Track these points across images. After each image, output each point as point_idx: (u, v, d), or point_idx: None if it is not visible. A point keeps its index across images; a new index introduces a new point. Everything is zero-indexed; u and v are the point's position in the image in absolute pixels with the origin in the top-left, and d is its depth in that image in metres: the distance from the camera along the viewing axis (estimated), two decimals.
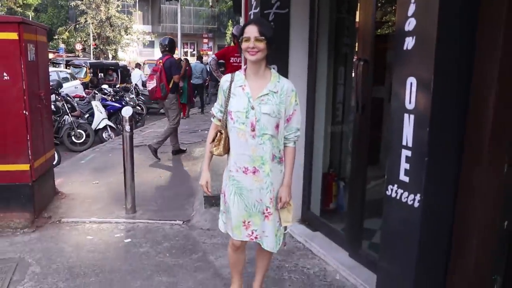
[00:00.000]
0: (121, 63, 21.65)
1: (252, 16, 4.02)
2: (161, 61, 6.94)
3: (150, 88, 6.91)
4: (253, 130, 2.49)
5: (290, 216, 2.67)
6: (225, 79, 2.64)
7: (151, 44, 37.04)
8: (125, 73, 17.33)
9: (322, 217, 4.08)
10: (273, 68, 3.74)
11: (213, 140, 2.65)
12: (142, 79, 15.45)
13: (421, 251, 2.32)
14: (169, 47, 7.08)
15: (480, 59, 2.19)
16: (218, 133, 2.62)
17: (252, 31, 2.44)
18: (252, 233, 2.63)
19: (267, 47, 2.46)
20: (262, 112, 2.48)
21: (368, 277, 3.12)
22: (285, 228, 2.70)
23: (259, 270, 2.91)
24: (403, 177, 2.35)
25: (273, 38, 2.49)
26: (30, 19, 22.24)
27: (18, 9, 28.70)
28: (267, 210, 2.59)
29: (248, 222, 2.62)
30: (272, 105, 2.50)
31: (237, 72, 2.63)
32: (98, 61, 22.52)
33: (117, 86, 13.82)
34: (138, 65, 19.54)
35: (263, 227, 2.62)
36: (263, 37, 2.43)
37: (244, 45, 2.46)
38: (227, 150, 2.63)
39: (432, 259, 2.39)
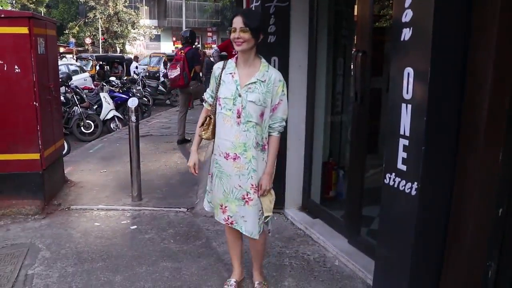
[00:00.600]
0: (126, 56, 21.78)
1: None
2: (182, 51, 7.27)
3: (173, 76, 7.30)
4: (239, 117, 2.57)
5: (271, 206, 2.73)
6: (217, 66, 2.73)
7: (157, 38, 37.33)
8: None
9: (322, 205, 4.16)
10: (274, 60, 3.85)
11: (203, 124, 2.75)
12: (137, 70, 15.75)
13: (417, 238, 2.38)
14: (190, 39, 7.46)
15: (475, 48, 2.21)
16: (208, 118, 2.73)
17: (237, 21, 2.51)
18: (228, 218, 2.74)
19: (252, 37, 2.51)
20: (248, 100, 2.55)
21: (366, 263, 3.19)
22: (266, 217, 2.74)
23: (254, 257, 2.99)
24: (401, 166, 2.39)
25: (259, 29, 2.54)
26: (42, 14, 22.43)
27: (31, 5, 28.98)
28: (247, 195, 2.65)
29: (225, 207, 2.71)
30: (258, 94, 2.56)
31: (229, 60, 2.71)
32: (104, 54, 22.62)
33: (124, 78, 13.96)
34: (135, 58, 19.81)
35: (242, 212, 2.68)
36: (248, 28, 2.48)
37: (231, 35, 2.54)
38: (215, 134, 2.73)
39: (428, 245, 2.45)
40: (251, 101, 2.56)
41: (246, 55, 2.60)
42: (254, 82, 2.58)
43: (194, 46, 7.51)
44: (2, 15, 4.12)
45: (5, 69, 4.14)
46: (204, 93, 2.83)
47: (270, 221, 2.81)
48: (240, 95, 2.57)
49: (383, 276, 2.69)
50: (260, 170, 2.66)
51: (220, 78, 2.66)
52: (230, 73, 2.64)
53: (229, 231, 2.92)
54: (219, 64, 2.72)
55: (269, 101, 2.61)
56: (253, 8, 4.02)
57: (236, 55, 2.70)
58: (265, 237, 2.91)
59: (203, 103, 2.85)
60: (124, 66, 17.81)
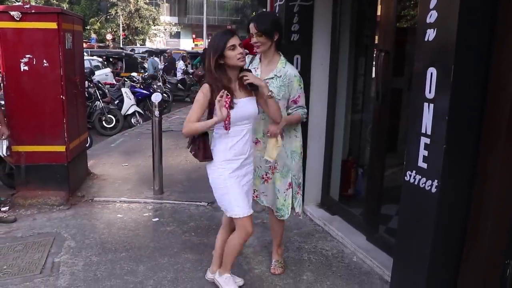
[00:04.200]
0: (126, 51, 20.49)
1: (277, 8, 4.12)
2: None
3: None
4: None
5: (274, 153, 2.82)
6: (247, 60, 2.92)
7: (177, 35, 37.61)
8: (131, 62, 16.27)
9: (340, 202, 4.21)
10: (296, 58, 3.93)
11: None
12: (160, 67, 15.74)
13: (436, 236, 2.40)
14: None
15: (499, 48, 2.22)
16: None
17: (252, 28, 2.79)
18: (254, 191, 3.00)
19: (267, 39, 2.78)
20: None
21: (384, 259, 3.23)
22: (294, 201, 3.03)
23: (274, 235, 3.27)
24: (422, 164, 2.42)
25: (272, 30, 2.79)
26: None
27: (54, 1, 29.46)
28: (266, 175, 3.00)
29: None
30: (273, 88, 2.81)
31: (256, 56, 2.98)
32: (101, 49, 21.02)
33: (136, 75, 13.70)
34: (156, 54, 19.75)
35: (263, 188, 3.04)
36: (260, 32, 2.76)
37: (252, 40, 2.82)
38: None
39: (447, 243, 2.47)
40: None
41: (266, 54, 2.90)
42: (272, 78, 2.86)
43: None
44: (33, 11, 4.24)
45: (34, 63, 4.28)
46: None
47: (299, 204, 3.08)
48: None
49: (401, 272, 2.72)
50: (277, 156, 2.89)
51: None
52: (254, 68, 2.94)
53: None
54: (248, 58, 2.95)
55: (283, 94, 2.86)
56: (277, 7, 4.08)
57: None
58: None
59: None
60: (124, 62, 16.98)
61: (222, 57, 2.51)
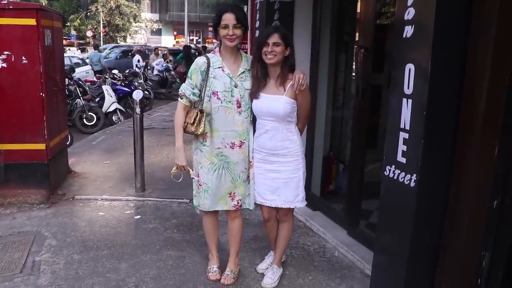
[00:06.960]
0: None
1: (258, 5, 4.13)
2: None
3: None
4: (239, 106, 2.71)
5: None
6: (202, 60, 2.73)
7: (158, 32, 37.33)
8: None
9: (322, 198, 4.24)
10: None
11: (194, 122, 2.70)
12: (141, 64, 15.56)
13: (415, 228, 2.44)
14: None
15: (474, 46, 2.27)
16: (199, 113, 2.70)
17: (230, 18, 2.58)
18: (238, 202, 2.88)
19: (242, 33, 2.65)
20: (245, 88, 2.71)
21: (365, 254, 3.28)
22: None
23: (233, 242, 3.12)
24: (401, 158, 2.45)
25: (247, 24, 2.71)
26: None
27: None
28: (248, 173, 2.88)
29: (234, 193, 2.86)
30: (250, 81, 2.76)
31: (211, 55, 2.76)
32: None
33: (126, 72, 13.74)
34: (139, 52, 19.48)
35: (248, 190, 2.91)
36: (240, 24, 2.60)
37: (222, 32, 2.61)
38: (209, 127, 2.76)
39: (426, 235, 2.51)
40: (248, 89, 2.73)
41: (235, 48, 2.73)
42: (243, 72, 2.75)
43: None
44: (11, 7, 4.17)
45: (13, 60, 4.22)
46: (182, 88, 2.77)
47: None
48: (236, 86, 2.70)
49: (381, 266, 2.76)
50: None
51: (207, 73, 2.69)
52: (219, 67, 2.71)
53: (210, 221, 3.10)
54: (204, 59, 2.74)
55: None
56: (258, 4, 4.10)
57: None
58: None
59: (180, 99, 2.77)
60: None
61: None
